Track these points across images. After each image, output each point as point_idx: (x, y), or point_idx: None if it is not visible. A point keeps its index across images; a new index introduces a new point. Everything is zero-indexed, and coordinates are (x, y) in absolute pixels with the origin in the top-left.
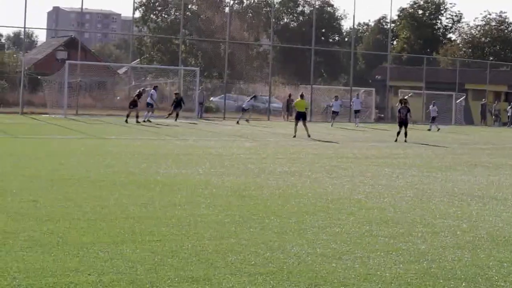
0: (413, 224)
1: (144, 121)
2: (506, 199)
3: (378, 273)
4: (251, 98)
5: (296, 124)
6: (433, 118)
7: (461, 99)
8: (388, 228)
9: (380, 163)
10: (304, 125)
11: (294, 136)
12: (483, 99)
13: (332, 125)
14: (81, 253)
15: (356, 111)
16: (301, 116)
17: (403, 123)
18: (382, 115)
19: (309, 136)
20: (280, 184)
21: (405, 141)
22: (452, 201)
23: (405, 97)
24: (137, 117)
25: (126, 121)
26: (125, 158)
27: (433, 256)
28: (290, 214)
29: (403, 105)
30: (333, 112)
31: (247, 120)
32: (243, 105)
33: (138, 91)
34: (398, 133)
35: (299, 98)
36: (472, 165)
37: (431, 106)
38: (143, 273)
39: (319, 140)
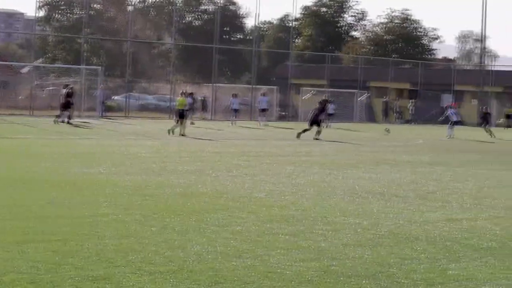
0: (314, 221)
1: (63, 122)
2: (407, 196)
3: (279, 271)
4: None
5: (177, 122)
6: (330, 115)
7: (363, 96)
8: (289, 226)
9: (281, 161)
10: (181, 123)
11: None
12: (386, 97)
13: (232, 124)
14: None
15: (263, 110)
16: (180, 114)
17: (315, 122)
18: (285, 113)
19: (182, 135)
20: (181, 182)
21: (317, 138)
22: (353, 198)
23: (325, 97)
24: (69, 118)
25: (55, 121)
26: (27, 158)
27: (334, 253)
28: (191, 212)
29: (319, 105)
30: (234, 110)
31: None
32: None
33: (66, 91)
34: (305, 130)
35: (180, 96)
36: (374, 163)
37: (330, 104)
38: (44, 273)
39: (222, 138)
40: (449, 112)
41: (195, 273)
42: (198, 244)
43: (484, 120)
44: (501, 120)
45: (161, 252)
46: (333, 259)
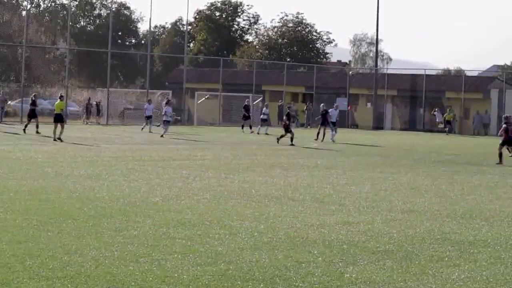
0: (210, 226)
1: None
2: (303, 200)
3: (176, 275)
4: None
5: (56, 127)
6: (263, 121)
7: (258, 100)
8: (185, 230)
9: (177, 166)
10: (59, 126)
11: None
12: (280, 100)
13: (144, 129)
14: None
15: (148, 117)
16: (58, 118)
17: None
18: (179, 118)
19: (57, 140)
20: (78, 187)
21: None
22: (250, 202)
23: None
24: (37, 127)
25: (24, 130)
26: None
27: (230, 257)
28: (88, 217)
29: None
30: (147, 117)
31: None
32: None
33: (31, 98)
34: (282, 136)
35: (58, 100)
36: (270, 166)
37: (264, 108)
38: None
39: (118, 144)
40: (331, 112)
41: (93, 278)
42: (95, 248)
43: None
44: (441, 126)
45: (58, 257)
46: (230, 263)
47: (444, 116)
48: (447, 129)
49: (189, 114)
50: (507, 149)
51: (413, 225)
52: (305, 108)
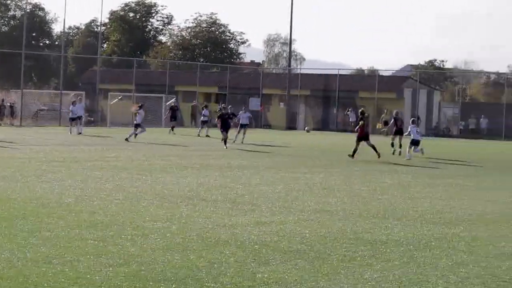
0: (122, 226)
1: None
2: (216, 200)
3: (88, 276)
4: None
5: None
6: (204, 122)
7: (171, 101)
8: (97, 231)
9: (90, 167)
10: None
11: None
12: (194, 101)
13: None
14: None
15: (73, 119)
16: None
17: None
18: (93, 119)
19: None
20: None
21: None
22: (162, 203)
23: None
24: None
25: None
26: None
27: (143, 258)
28: (0, 219)
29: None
30: (71, 119)
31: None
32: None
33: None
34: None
35: None
36: (182, 167)
37: (204, 110)
38: None
39: (31, 145)
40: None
41: (5, 280)
42: (7, 250)
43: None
44: (379, 126)
45: None
46: (142, 263)
47: (382, 116)
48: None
49: (102, 115)
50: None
51: (325, 225)
52: (218, 109)
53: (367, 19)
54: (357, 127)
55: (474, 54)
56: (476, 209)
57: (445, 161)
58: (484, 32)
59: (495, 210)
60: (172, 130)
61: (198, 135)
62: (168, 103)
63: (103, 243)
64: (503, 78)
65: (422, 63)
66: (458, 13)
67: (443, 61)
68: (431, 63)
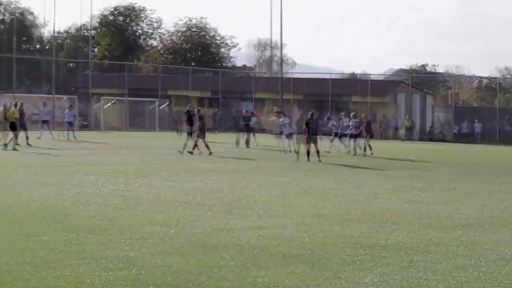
0: (121, 231)
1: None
2: (213, 204)
3: (88, 280)
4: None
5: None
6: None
7: (164, 105)
8: (95, 236)
9: (86, 171)
10: (14, 135)
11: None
12: (188, 105)
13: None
14: None
15: (69, 123)
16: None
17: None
18: (86, 123)
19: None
20: None
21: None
22: (159, 207)
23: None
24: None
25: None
26: None
27: (142, 262)
28: None
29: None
30: (43, 121)
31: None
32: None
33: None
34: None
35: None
36: (177, 171)
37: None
38: None
39: (24, 149)
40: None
41: (5, 284)
42: (6, 254)
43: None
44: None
45: None
46: (142, 268)
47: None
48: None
49: (95, 119)
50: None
51: (323, 230)
52: (212, 113)
53: (354, 22)
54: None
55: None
56: (473, 213)
57: (441, 166)
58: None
59: (493, 215)
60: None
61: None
62: (161, 107)
63: (102, 247)
64: (495, 83)
65: (414, 67)
66: (449, 18)
67: (434, 65)
68: (423, 67)
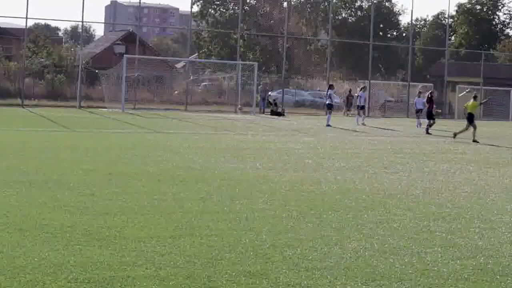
0: (470, 220)
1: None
2: None
3: (435, 268)
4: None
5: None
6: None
7: None
8: (445, 224)
9: (438, 159)
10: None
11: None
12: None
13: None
14: (138, 247)
15: (418, 110)
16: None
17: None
18: (440, 111)
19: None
20: (338, 179)
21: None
22: (510, 197)
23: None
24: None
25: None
26: (183, 153)
27: (490, 252)
28: (348, 209)
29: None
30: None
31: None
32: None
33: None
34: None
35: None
36: None
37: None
38: (200, 268)
39: (377, 135)
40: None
41: (352, 270)
42: (354, 240)
43: None
44: None
45: (317, 248)
46: (489, 257)
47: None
48: None
49: (450, 108)
50: None
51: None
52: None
53: None
54: None
55: None
56: None
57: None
58: None
59: None
60: None
61: None
62: None
63: (451, 235)
64: None
65: None
66: None
67: None
68: None
